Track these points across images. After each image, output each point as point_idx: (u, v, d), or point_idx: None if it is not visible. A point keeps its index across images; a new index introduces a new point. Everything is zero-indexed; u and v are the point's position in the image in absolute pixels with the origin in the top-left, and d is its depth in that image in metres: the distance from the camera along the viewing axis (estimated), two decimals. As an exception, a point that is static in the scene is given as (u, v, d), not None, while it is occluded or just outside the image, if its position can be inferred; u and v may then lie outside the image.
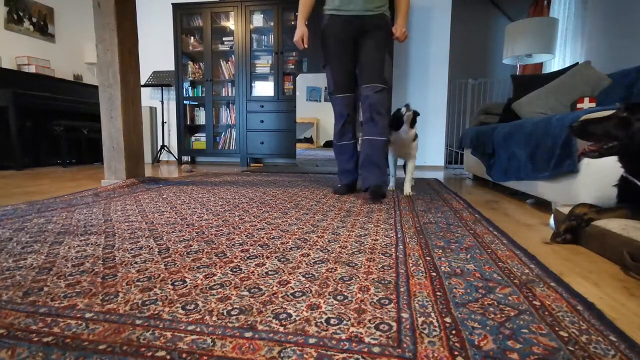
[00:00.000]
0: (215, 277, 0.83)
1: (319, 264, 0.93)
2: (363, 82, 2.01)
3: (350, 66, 2.04)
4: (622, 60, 2.76)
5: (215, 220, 1.43)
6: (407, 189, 2.14)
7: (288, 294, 0.75)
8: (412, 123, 2.07)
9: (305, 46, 2.03)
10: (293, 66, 4.34)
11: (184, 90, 4.61)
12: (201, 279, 0.82)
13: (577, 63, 2.47)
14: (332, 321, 0.63)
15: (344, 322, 0.63)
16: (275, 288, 0.77)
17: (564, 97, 2.26)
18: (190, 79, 4.65)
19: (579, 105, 2.11)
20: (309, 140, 4.10)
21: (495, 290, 0.76)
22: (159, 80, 4.69)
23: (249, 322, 0.62)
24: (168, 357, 0.52)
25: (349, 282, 0.81)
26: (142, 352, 0.54)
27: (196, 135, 4.73)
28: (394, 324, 0.62)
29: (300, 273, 0.87)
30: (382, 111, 1.97)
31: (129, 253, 1.01)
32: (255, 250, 1.04)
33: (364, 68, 2.00)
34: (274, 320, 0.63)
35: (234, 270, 0.88)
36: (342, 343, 0.56)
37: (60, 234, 1.20)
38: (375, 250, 1.05)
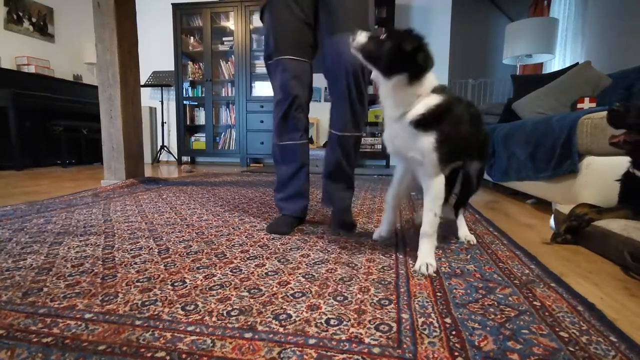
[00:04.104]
0: (215, 278, 0.83)
1: (318, 264, 0.93)
2: (332, 29, 1.21)
3: (305, 10, 1.23)
4: (622, 60, 2.76)
5: (215, 220, 1.43)
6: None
7: (288, 294, 0.74)
8: (389, 57, 0.87)
9: None
10: (293, 66, 4.33)
11: (184, 90, 4.60)
12: (201, 280, 0.82)
13: (577, 63, 2.47)
14: (332, 322, 0.63)
15: (344, 322, 0.63)
16: (275, 289, 0.77)
17: (564, 97, 2.26)
18: (190, 79, 4.65)
19: (579, 106, 2.11)
20: (309, 140, 4.10)
21: (496, 291, 0.76)
22: (159, 81, 4.68)
23: (249, 323, 0.62)
24: (168, 357, 0.52)
25: (349, 283, 0.81)
26: (142, 352, 0.53)
27: (196, 135, 4.73)
28: (394, 324, 0.62)
29: (300, 274, 0.86)
30: (363, 89, 1.23)
31: (129, 253, 1.01)
32: (255, 251, 1.04)
33: (333, 14, 1.20)
34: (273, 321, 0.63)
35: (234, 270, 0.88)
36: (342, 344, 0.56)
37: (60, 234, 1.20)
38: (375, 250, 1.05)
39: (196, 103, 4.69)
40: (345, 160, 1.29)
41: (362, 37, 0.90)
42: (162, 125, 4.78)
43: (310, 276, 0.85)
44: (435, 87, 0.90)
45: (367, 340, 0.57)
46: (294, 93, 1.24)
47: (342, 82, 1.20)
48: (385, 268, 0.90)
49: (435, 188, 0.92)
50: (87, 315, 0.65)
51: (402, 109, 0.90)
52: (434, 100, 0.88)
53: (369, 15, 1.21)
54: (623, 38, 2.86)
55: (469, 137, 1.00)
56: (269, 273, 0.87)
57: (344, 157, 1.28)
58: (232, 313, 0.66)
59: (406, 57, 0.86)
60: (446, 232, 1.24)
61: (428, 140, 0.88)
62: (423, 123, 0.88)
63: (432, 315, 0.66)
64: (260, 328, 0.61)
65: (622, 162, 1.18)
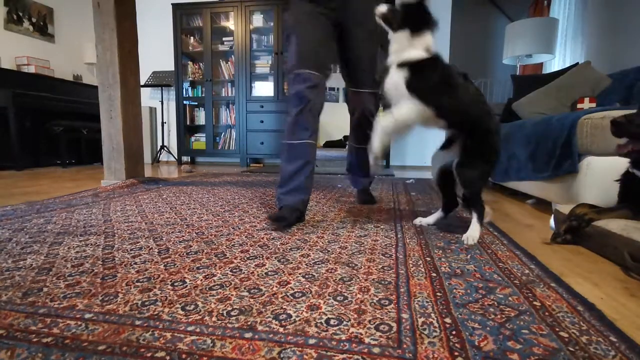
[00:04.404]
0: (215, 278, 0.83)
1: (318, 264, 0.93)
2: (354, 86, 1.69)
3: (325, 37, 1.49)
4: (622, 60, 2.76)
5: (215, 220, 1.43)
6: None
7: (288, 294, 0.74)
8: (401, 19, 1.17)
9: None
10: (293, 66, 4.33)
11: (184, 90, 4.60)
12: (201, 280, 0.82)
13: (577, 63, 2.47)
14: (332, 322, 0.63)
15: (344, 322, 0.63)
16: (275, 289, 0.77)
17: (564, 97, 2.26)
18: (190, 79, 4.65)
19: (579, 106, 2.11)
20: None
21: (496, 291, 0.76)
22: (159, 81, 4.68)
23: (249, 323, 0.62)
24: (168, 357, 0.52)
25: (349, 283, 0.81)
26: (142, 352, 0.53)
27: (196, 135, 4.73)
28: (394, 324, 0.62)
29: (300, 274, 0.86)
30: (372, 120, 1.68)
31: (129, 253, 1.01)
32: (255, 251, 1.04)
33: (354, 67, 1.64)
34: (273, 321, 0.63)
35: (234, 270, 0.88)
36: (342, 344, 0.56)
37: (60, 234, 1.20)
38: (375, 250, 1.05)
39: (196, 103, 4.69)
40: (363, 160, 1.78)
41: (383, 8, 1.17)
42: (162, 125, 4.78)
43: (310, 276, 0.85)
44: (429, 50, 1.15)
45: (367, 340, 0.57)
46: (308, 97, 1.40)
47: (357, 116, 1.71)
48: (385, 268, 0.90)
49: (400, 108, 1.15)
50: (87, 315, 0.65)
51: (397, 55, 1.16)
52: (422, 55, 1.14)
53: (376, 68, 1.62)
54: (623, 38, 2.86)
55: (447, 92, 1.15)
56: (269, 273, 0.87)
57: (361, 158, 1.78)
58: (232, 313, 0.66)
59: (410, 19, 1.14)
60: (449, 230, 1.24)
61: (401, 74, 1.14)
62: (402, 65, 1.14)
63: (432, 315, 0.66)
64: (260, 328, 0.61)
65: (622, 162, 1.19)
